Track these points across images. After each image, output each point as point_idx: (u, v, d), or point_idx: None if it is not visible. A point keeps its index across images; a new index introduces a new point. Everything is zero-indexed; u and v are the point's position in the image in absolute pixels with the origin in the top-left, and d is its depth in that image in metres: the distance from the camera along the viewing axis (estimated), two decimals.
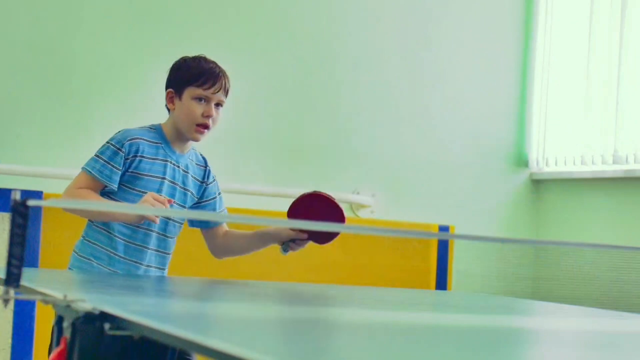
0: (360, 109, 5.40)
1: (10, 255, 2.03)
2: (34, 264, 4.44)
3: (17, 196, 2.03)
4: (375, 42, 5.44)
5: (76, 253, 3.33)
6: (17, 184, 4.55)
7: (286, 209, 5.09)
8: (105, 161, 3.25)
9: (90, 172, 3.25)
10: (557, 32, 5.69)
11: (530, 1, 5.75)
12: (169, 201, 3.24)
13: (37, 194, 4.37)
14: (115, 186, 3.25)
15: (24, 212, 2.02)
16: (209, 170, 3.47)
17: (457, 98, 5.61)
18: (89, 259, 3.28)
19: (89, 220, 3.33)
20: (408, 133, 5.49)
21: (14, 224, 2.02)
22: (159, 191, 3.28)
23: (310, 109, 5.31)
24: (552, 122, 5.66)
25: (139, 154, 3.27)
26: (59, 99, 4.80)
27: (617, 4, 5.29)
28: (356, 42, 5.40)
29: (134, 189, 3.26)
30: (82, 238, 3.33)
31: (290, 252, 3.42)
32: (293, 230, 3.39)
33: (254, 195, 5.05)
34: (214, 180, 3.48)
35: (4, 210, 4.49)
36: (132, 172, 3.26)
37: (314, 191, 3.46)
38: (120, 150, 3.25)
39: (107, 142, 3.29)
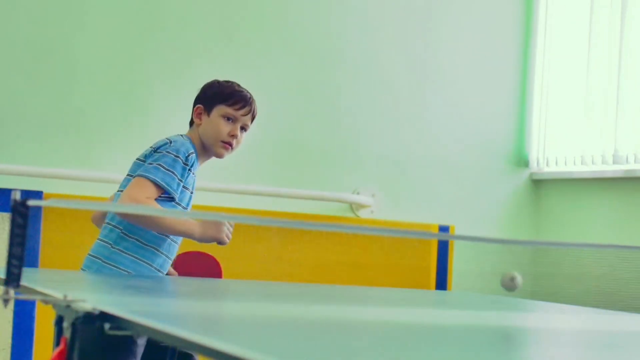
0: (361, 109, 5.40)
1: (10, 255, 2.03)
2: (34, 264, 4.44)
3: (17, 196, 2.03)
4: (375, 42, 5.44)
5: (99, 259, 3.29)
6: (17, 184, 4.55)
7: (286, 209, 5.12)
8: (173, 173, 3.26)
9: (157, 182, 3.23)
10: (557, 32, 5.69)
11: (530, 1, 5.75)
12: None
13: (37, 194, 4.37)
14: (177, 198, 3.28)
15: (24, 212, 2.02)
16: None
17: (457, 98, 5.61)
18: (117, 267, 3.28)
19: (117, 228, 3.32)
20: (408, 133, 5.49)
21: (14, 224, 2.02)
22: (188, 204, 3.36)
23: (311, 109, 5.31)
24: (552, 122, 5.66)
25: (193, 169, 3.33)
26: (59, 99, 4.80)
27: (617, 4, 5.29)
28: (356, 42, 5.39)
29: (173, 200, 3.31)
30: (107, 245, 3.30)
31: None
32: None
33: (254, 195, 5.05)
34: None
35: (4, 210, 4.49)
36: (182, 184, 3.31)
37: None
38: (186, 164, 3.29)
39: (169, 152, 3.28)
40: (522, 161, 5.73)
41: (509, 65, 5.75)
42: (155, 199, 3.26)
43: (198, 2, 5.08)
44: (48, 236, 4.52)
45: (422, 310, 2.84)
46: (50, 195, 4.46)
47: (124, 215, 3.26)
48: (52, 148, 4.77)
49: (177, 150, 3.29)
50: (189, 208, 3.37)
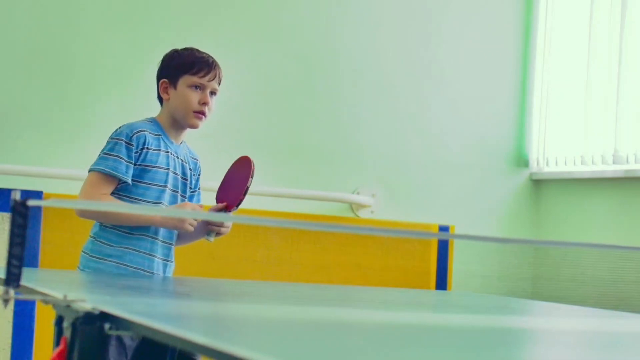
0: (361, 109, 5.40)
1: (10, 255, 2.03)
2: (34, 264, 4.44)
3: (17, 196, 2.03)
4: (375, 42, 5.44)
5: (87, 254, 3.31)
6: (17, 184, 4.55)
7: (286, 209, 5.12)
8: (117, 157, 3.25)
9: (104, 170, 3.25)
10: (557, 32, 5.69)
11: (530, 1, 5.75)
12: (200, 206, 3.33)
13: (37, 194, 4.37)
14: (130, 181, 3.26)
15: (24, 212, 2.02)
16: (199, 164, 3.52)
17: (458, 98, 5.61)
18: (101, 259, 3.28)
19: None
20: (408, 133, 5.49)
21: (14, 224, 2.02)
22: (165, 182, 3.33)
23: (311, 109, 5.31)
24: (552, 122, 5.66)
25: (145, 146, 3.30)
26: (59, 99, 4.80)
27: (617, 4, 5.29)
28: (356, 43, 5.39)
29: (142, 182, 3.29)
30: (92, 238, 3.32)
31: (215, 235, 3.39)
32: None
33: (254, 195, 5.04)
34: (199, 174, 3.52)
35: (4, 210, 4.49)
36: (140, 164, 3.29)
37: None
38: (130, 144, 3.27)
39: (114, 139, 3.29)
40: (522, 161, 5.73)
41: (509, 65, 5.75)
42: (117, 188, 3.26)
43: (197, 2, 5.08)
44: (48, 236, 4.52)
45: (422, 311, 2.84)
46: (50, 195, 4.46)
47: (83, 215, 3.30)
48: (52, 148, 4.77)
49: (119, 134, 3.29)
50: (171, 186, 3.34)
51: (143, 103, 4.87)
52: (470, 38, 5.66)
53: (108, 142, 3.30)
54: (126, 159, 3.26)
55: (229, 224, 3.40)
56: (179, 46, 5.08)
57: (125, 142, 3.27)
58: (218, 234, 3.40)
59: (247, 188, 3.35)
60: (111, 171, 3.24)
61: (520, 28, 5.76)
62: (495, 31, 5.74)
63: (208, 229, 3.39)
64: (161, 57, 3.54)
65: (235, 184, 3.39)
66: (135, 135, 3.28)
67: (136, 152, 3.28)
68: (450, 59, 5.61)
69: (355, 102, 5.39)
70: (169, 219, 3.28)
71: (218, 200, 3.44)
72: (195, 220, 3.30)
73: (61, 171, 4.67)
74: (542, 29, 5.73)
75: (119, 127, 3.33)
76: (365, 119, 5.40)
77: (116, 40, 4.92)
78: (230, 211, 3.36)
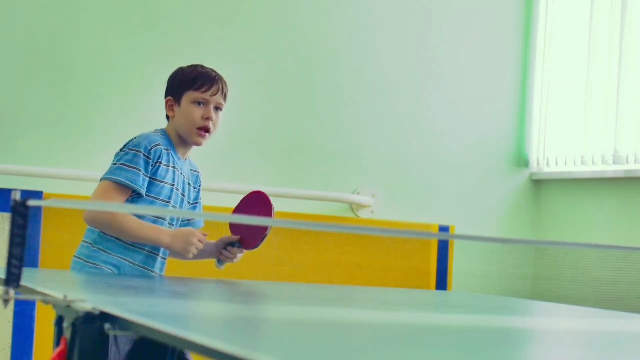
0: (361, 109, 5.40)
1: (10, 255, 2.03)
2: (34, 264, 4.44)
3: (17, 196, 2.03)
4: (375, 43, 5.44)
5: (81, 259, 3.29)
6: (17, 184, 4.55)
7: (286, 209, 5.12)
8: (136, 169, 3.24)
9: (120, 181, 3.22)
10: (557, 32, 5.69)
11: (530, 1, 5.75)
12: (204, 235, 3.32)
13: (37, 194, 4.37)
14: (144, 193, 3.26)
15: (24, 212, 2.02)
16: (200, 177, 3.53)
17: (458, 98, 5.61)
18: (98, 265, 3.27)
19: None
20: (408, 133, 5.49)
21: (14, 224, 2.02)
22: (169, 198, 3.32)
23: (311, 109, 5.31)
24: (552, 122, 5.66)
25: (159, 160, 3.29)
26: (59, 99, 4.80)
27: (617, 4, 5.29)
28: (356, 43, 5.39)
29: (148, 196, 3.27)
30: (88, 245, 3.29)
31: (226, 264, 3.42)
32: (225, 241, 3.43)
33: None
34: (199, 186, 3.52)
35: (4, 210, 4.49)
36: (150, 178, 3.28)
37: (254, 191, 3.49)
38: (148, 157, 3.26)
39: (132, 149, 3.26)
40: (522, 161, 5.73)
41: (509, 65, 5.75)
42: (127, 200, 3.25)
43: (197, 2, 5.08)
44: (48, 236, 4.52)
45: (422, 311, 2.84)
46: (50, 195, 4.46)
47: (92, 223, 3.26)
48: (52, 148, 4.77)
49: (138, 145, 3.26)
50: (172, 202, 3.33)
51: (143, 103, 4.88)
52: (470, 38, 5.66)
53: (126, 153, 3.26)
54: (143, 172, 3.24)
55: (240, 255, 3.41)
56: (180, 48, 5.10)
57: (144, 155, 3.25)
58: (226, 259, 3.43)
59: (266, 235, 3.39)
60: (129, 182, 3.22)
61: (520, 28, 5.76)
62: (495, 31, 5.74)
63: (219, 257, 3.41)
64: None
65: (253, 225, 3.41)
66: (153, 149, 3.27)
67: (151, 166, 3.27)
68: (450, 59, 5.61)
69: (355, 102, 5.39)
70: (177, 244, 3.27)
71: (232, 231, 3.45)
72: (198, 248, 3.31)
73: (61, 171, 4.67)
74: (542, 29, 5.73)
75: (135, 138, 3.30)
76: (365, 119, 5.40)
77: (116, 40, 4.92)
78: (244, 249, 3.40)
